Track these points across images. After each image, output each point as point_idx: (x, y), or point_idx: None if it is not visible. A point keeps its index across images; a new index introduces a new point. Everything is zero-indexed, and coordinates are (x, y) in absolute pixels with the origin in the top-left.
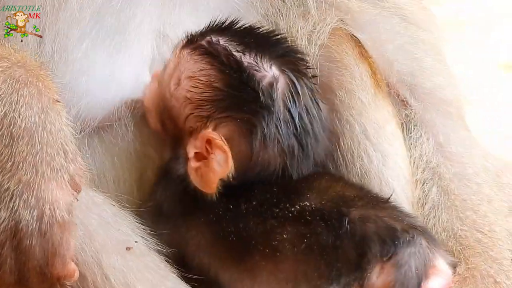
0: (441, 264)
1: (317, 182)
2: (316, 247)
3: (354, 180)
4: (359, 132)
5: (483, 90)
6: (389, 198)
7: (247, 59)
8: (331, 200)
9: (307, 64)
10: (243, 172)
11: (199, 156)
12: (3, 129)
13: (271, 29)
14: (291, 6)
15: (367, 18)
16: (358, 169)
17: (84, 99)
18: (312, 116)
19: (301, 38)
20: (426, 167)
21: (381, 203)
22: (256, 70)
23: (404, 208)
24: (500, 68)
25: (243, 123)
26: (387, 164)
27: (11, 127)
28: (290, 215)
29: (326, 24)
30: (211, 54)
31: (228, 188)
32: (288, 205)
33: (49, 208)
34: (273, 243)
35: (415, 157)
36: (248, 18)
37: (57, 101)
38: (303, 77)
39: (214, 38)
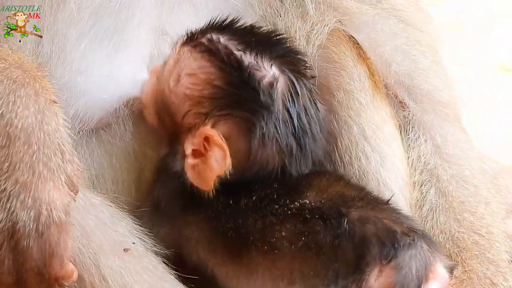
0: (440, 268)
1: (317, 180)
2: (314, 246)
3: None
4: (357, 133)
5: (483, 90)
6: (388, 200)
7: (247, 58)
8: (330, 199)
9: (307, 65)
10: (240, 171)
11: (196, 153)
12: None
13: (272, 29)
14: (289, 7)
15: (365, 19)
16: (356, 170)
17: (82, 99)
18: (310, 117)
19: (299, 39)
20: (424, 169)
21: (380, 204)
22: (257, 69)
23: (403, 210)
24: (499, 68)
25: (242, 122)
26: (385, 165)
27: (7, 128)
28: (289, 212)
29: (324, 25)
30: (212, 52)
31: (228, 185)
32: (288, 201)
33: (46, 209)
34: (271, 240)
35: (413, 159)
36: (246, 18)
37: (54, 101)
38: (302, 78)
39: (214, 36)
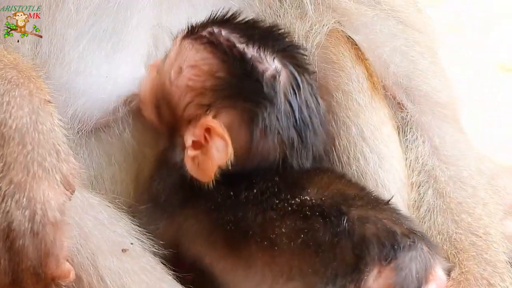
0: (439, 271)
1: (319, 177)
2: (313, 243)
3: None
4: (356, 134)
5: (483, 90)
6: (389, 201)
7: (250, 51)
8: (331, 197)
9: (307, 60)
10: (242, 162)
11: (196, 145)
12: None
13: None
14: (288, 7)
15: (363, 20)
16: (354, 171)
17: (81, 99)
18: (311, 110)
19: (298, 39)
20: (422, 170)
21: (381, 204)
22: (260, 62)
23: (403, 211)
24: (499, 68)
25: (245, 113)
26: (383, 166)
27: (2, 128)
28: (290, 208)
29: (323, 26)
30: (214, 44)
31: (229, 176)
32: (288, 196)
33: (41, 208)
34: (271, 236)
35: (411, 160)
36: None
37: (48, 101)
38: (304, 72)
39: (216, 30)
